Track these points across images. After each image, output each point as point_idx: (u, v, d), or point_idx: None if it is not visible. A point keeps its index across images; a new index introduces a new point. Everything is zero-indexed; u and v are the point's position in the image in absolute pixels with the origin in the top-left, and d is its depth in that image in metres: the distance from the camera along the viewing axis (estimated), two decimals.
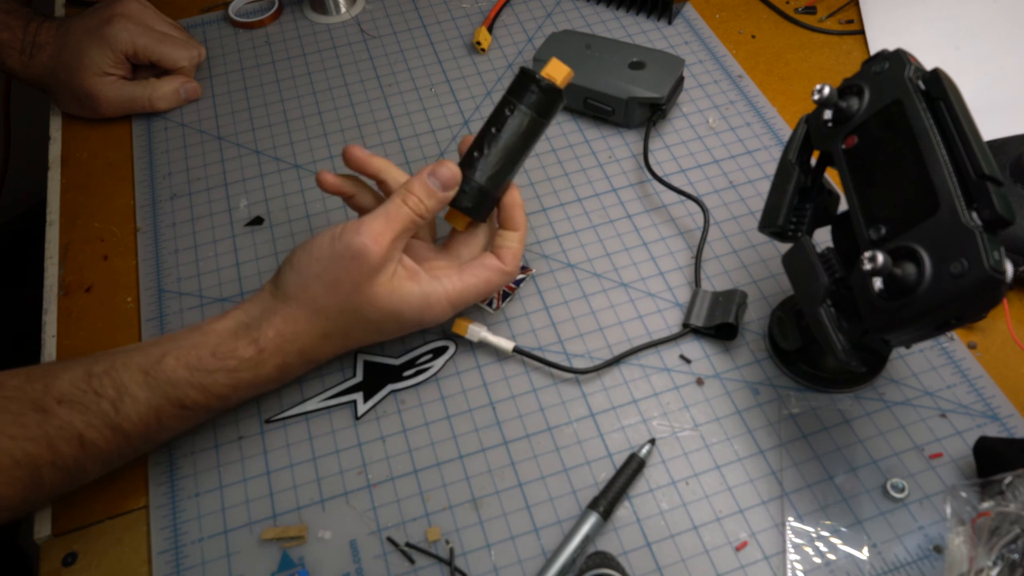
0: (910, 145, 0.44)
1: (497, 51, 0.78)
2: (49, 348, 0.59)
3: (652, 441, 0.51)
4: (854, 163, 0.47)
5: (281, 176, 0.69)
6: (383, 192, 0.56)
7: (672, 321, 0.58)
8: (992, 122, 0.59)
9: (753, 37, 0.78)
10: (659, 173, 0.65)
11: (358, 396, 0.55)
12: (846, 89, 0.49)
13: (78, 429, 0.45)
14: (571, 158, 0.69)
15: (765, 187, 0.65)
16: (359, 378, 0.56)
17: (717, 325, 0.56)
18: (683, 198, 0.64)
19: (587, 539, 0.48)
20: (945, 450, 0.51)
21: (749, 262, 0.61)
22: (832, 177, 0.55)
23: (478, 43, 0.77)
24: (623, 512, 0.50)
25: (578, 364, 0.56)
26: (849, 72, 0.53)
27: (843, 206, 0.54)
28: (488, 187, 0.53)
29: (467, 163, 0.53)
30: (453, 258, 0.55)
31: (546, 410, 0.54)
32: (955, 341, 0.56)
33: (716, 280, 0.60)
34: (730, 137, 0.69)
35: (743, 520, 0.49)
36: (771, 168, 0.66)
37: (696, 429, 0.53)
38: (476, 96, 0.74)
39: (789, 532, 0.48)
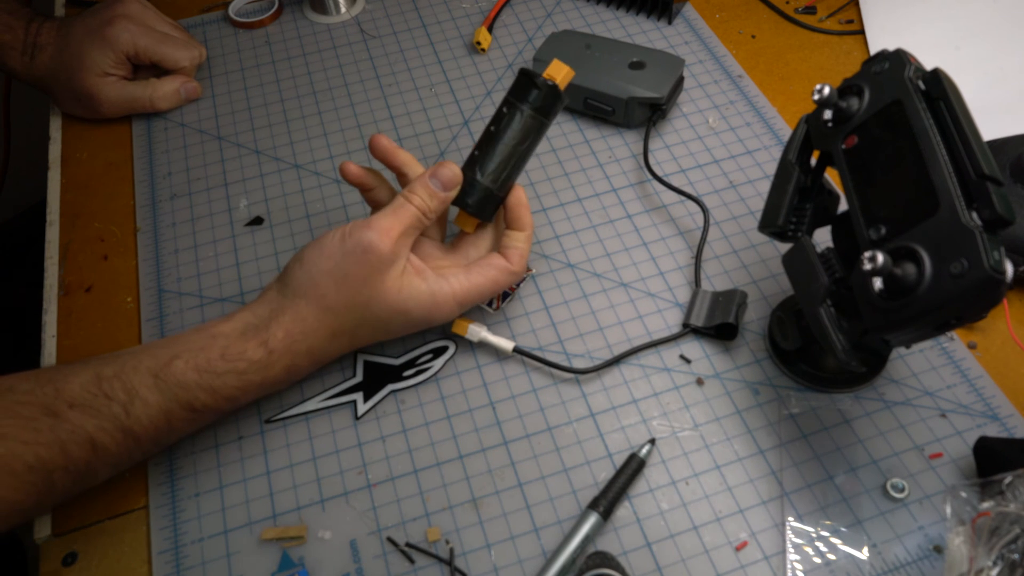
0: (910, 145, 0.44)
1: (497, 51, 0.78)
2: (49, 348, 0.59)
3: (652, 441, 0.51)
4: (854, 163, 0.47)
5: (281, 176, 0.69)
6: (402, 187, 0.57)
7: (672, 321, 0.58)
8: (992, 122, 0.59)
9: (753, 37, 0.78)
10: (659, 173, 0.65)
11: (358, 396, 0.55)
12: (846, 89, 0.49)
13: (89, 433, 0.45)
14: (571, 158, 0.69)
15: (765, 187, 0.65)
16: (359, 378, 0.56)
17: (717, 325, 0.56)
18: (683, 198, 0.64)
19: (587, 539, 0.48)
20: (945, 450, 0.51)
21: (749, 262, 0.61)
22: (832, 177, 0.55)
23: (478, 43, 0.77)
24: (623, 512, 0.50)
25: (578, 364, 0.56)
26: (849, 72, 0.53)
27: (843, 206, 0.54)
28: (492, 187, 0.53)
29: (470, 164, 0.53)
30: (460, 258, 0.56)
31: (546, 410, 0.54)
32: (955, 341, 0.56)
33: (716, 280, 0.60)
34: (730, 137, 0.69)
35: (743, 520, 0.49)
36: (771, 168, 0.66)
37: (696, 429, 0.53)
38: (476, 96, 0.74)
39: (789, 532, 0.48)
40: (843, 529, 0.48)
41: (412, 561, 0.48)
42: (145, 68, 0.74)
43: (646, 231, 0.63)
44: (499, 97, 0.73)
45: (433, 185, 0.52)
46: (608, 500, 0.49)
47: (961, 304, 0.39)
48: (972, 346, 0.56)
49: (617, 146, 0.69)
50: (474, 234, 0.57)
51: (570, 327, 0.58)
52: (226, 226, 0.65)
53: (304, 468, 0.52)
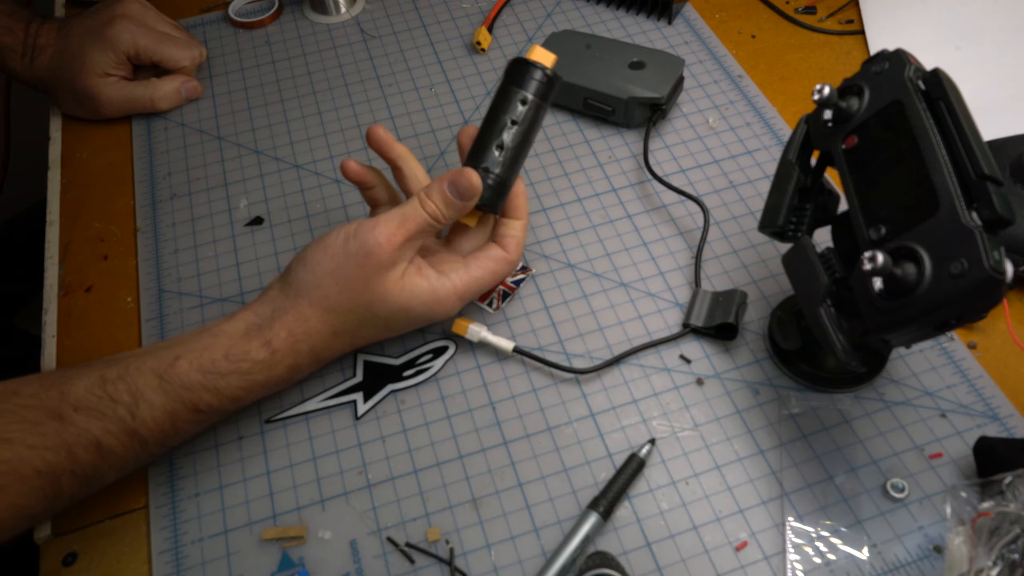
0: (910, 145, 0.44)
1: (497, 51, 0.78)
2: (49, 348, 0.59)
3: (652, 441, 0.51)
4: (854, 163, 0.47)
5: (281, 176, 0.69)
6: (397, 180, 0.57)
7: (672, 321, 0.58)
8: (992, 122, 0.59)
9: (753, 37, 0.78)
10: (659, 173, 0.65)
11: (358, 396, 0.55)
12: (846, 89, 0.49)
13: (96, 436, 0.45)
14: (571, 158, 0.69)
15: (765, 187, 0.65)
16: (359, 378, 0.56)
17: (717, 325, 0.56)
18: (683, 198, 0.64)
19: (587, 539, 0.48)
20: (945, 450, 0.51)
21: (749, 262, 0.61)
22: (832, 177, 0.55)
23: (478, 43, 0.77)
24: (623, 512, 0.50)
25: (578, 364, 0.56)
26: (849, 72, 0.53)
27: (843, 206, 0.54)
28: (509, 181, 0.54)
29: (487, 158, 0.53)
30: (456, 251, 0.56)
31: (546, 410, 0.54)
32: (955, 341, 0.56)
33: (716, 280, 0.60)
34: (730, 137, 0.69)
35: (743, 520, 0.49)
36: (771, 168, 0.66)
37: (696, 429, 0.53)
38: (476, 96, 0.74)
39: (789, 532, 0.48)
40: (843, 529, 0.48)
41: (412, 561, 0.48)
42: (145, 68, 0.74)
43: (646, 231, 0.63)
44: None
45: (450, 193, 0.51)
46: (608, 500, 0.49)
47: (961, 304, 0.39)
48: (972, 346, 0.56)
49: (617, 146, 0.69)
50: (469, 227, 0.57)
51: (570, 327, 0.58)
52: (226, 226, 0.65)
53: (304, 468, 0.52)
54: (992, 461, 0.47)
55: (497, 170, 0.53)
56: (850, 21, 0.79)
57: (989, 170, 0.40)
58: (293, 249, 0.63)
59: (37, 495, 0.44)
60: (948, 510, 0.45)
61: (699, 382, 0.55)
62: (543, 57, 0.54)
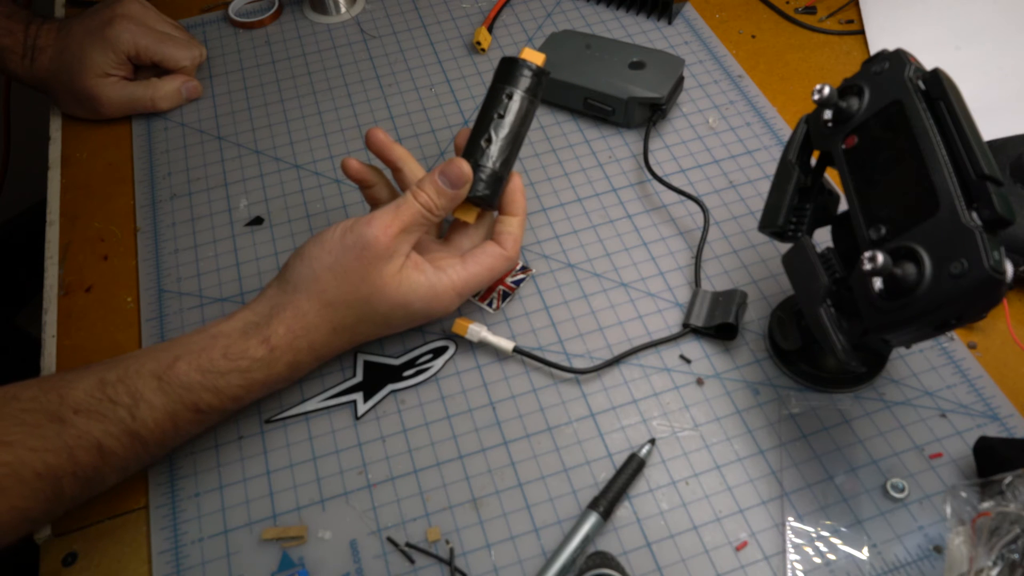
0: (910, 145, 0.44)
1: (497, 51, 0.78)
2: (49, 348, 0.59)
3: (652, 441, 0.51)
4: (854, 163, 0.47)
5: (281, 176, 0.69)
6: (397, 182, 0.58)
7: (672, 321, 0.58)
8: (992, 122, 0.59)
9: (753, 37, 0.78)
10: (659, 173, 0.65)
11: (358, 396, 0.55)
12: (846, 89, 0.49)
13: (96, 438, 0.45)
14: (571, 158, 0.69)
15: (765, 187, 0.65)
16: (359, 378, 0.56)
17: (717, 325, 0.56)
18: (683, 198, 0.64)
19: (587, 539, 0.48)
20: (945, 450, 0.51)
21: (749, 262, 0.61)
22: (832, 177, 0.55)
23: (478, 43, 0.77)
24: (623, 512, 0.50)
25: (578, 364, 0.56)
26: (849, 72, 0.53)
27: (843, 206, 0.54)
28: (502, 173, 0.54)
29: (477, 152, 0.54)
30: (455, 249, 0.56)
31: (546, 410, 0.54)
32: (955, 341, 0.56)
33: (716, 280, 0.60)
34: (730, 137, 0.69)
35: (743, 520, 0.49)
36: (771, 168, 0.66)
37: (696, 429, 0.53)
38: (476, 96, 0.74)
39: (789, 532, 0.48)
40: (843, 529, 0.48)
41: (412, 561, 0.48)
42: (145, 68, 0.74)
43: (646, 231, 0.63)
44: None
45: (442, 183, 0.52)
46: (608, 500, 0.49)
47: (961, 304, 0.39)
48: (972, 346, 0.56)
49: (617, 146, 0.69)
50: (467, 224, 0.57)
51: (570, 327, 0.58)
52: (226, 226, 0.65)
53: (304, 468, 0.52)
54: (992, 461, 0.47)
55: (487, 162, 0.53)
56: (850, 21, 0.79)
57: (989, 170, 0.40)
58: (293, 249, 0.63)
59: (38, 497, 0.44)
60: (948, 510, 0.45)
61: (699, 382, 0.55)
62: (531, 56, 0.55)
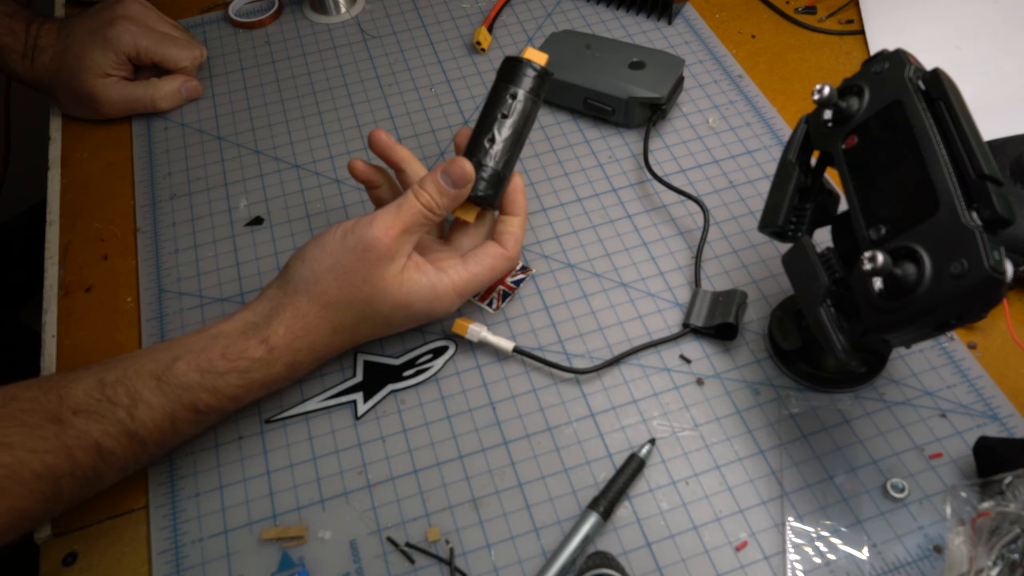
0: (910, 145, 0.44)
1: (497, 51, 0.78)
2: (49, 348, 0.59)
3: (652, 441, 0.51)
4: (854, 163, 0.47)
5: (281, 176, 0.69)
6: (401, 183, 0.58)
7: (672, 321, 0.58)
8: (992, 122, 0.59)
9: (753, 37, 0.78)
10: (659, 173, 0.65)
11: (358, 396, 0.55)
12: (846, 89, 0.49)
13: (95, 438, 0.45)
14: (571, 158, 0.69)
15: (765, 187, 0.65)
16: (359, 378, 0.56)
17: (717, 325, 0.56)
18: (683, 198, 0.64)
19: (587, 539, 0.48)
20: (945, 450, 0.51)
21: (749, 262, 0.61)
22: (832, 177, 0.55)
23: (478, 43, 0.77)
24: (623, 512, 0.50)
25: (578, 364, 0.56)
26: (849, 72, 0.53)
27: (843, 206, 0.54)
28: (504, 173, 0.54)
29: (480, 152, 0.53)
30: (455, 249, 0.56)
31: (546, 410, 0.54)
32: (955, 341, 0.56)
33: (716, 280, 0.60)
34: (730, 137, 0.69)
35: (743, 520, 0.49)
36: (771, 168, 0.66)
37: (696, 429, 0.53)
38: (476, 96, 0.74)
39: (789, 532, 0.48)
40: (843, 529, 0.48)
41: (412, 561, 0.48)
42: (146, 68, 0.74)
43: (646, 231, 0.63)
44: None
45: (444, 182, 0.52)
46: (608, 500, 0.49)
47: (961, 304, 0.39)
48: (972, 346, 0.56)
49: (617, 146, 0.69)
50: (468, 224, 0.57)
51: (570, 327, 0.58)
52: (226, 226, 0.65)
53: (304, 468, 0.52)
54: (992, 461, 0.47)
55: (490, 162, 0.53)
56: (850, 21, 0.79)
57: (989, 170, 0.40)
58: (293, 249, 0.63)
59: (37, 498, 0.44)
60: (948, 510, 0.45)
61: (699, 382, 0.55)
62: (534, 55, 0.55)
